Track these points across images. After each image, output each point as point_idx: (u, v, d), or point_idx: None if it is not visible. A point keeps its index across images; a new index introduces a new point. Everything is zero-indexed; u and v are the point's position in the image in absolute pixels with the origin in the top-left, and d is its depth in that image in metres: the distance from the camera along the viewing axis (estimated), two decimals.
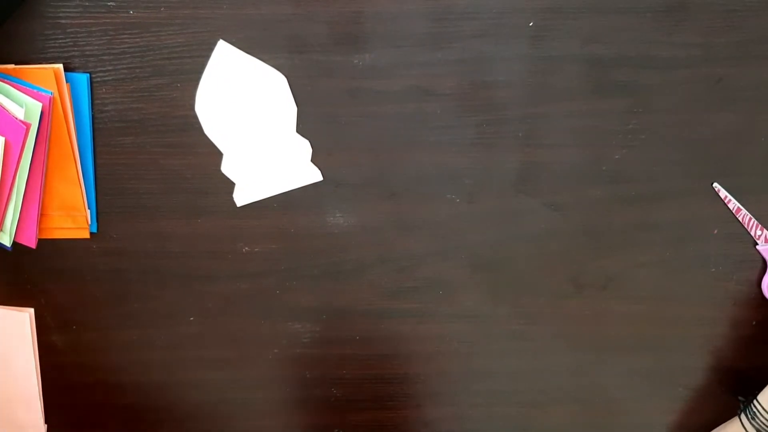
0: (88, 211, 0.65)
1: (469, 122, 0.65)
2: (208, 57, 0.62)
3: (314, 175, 0.66)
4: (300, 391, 0.71)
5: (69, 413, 0.72)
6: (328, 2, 0.61)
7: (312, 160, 0.65)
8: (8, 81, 0.60)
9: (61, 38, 0.61)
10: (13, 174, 0.60)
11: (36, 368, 0.69)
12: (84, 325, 0.69)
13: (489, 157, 0.65)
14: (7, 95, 0.60)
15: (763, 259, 0.68)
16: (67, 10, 0.61)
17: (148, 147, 0.64)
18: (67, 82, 0.62)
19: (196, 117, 0.63)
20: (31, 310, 0.67)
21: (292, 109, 0.64)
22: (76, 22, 0.61)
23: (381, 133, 0.64)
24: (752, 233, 0.67)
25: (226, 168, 0.65)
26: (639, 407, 0.72)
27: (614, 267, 0.68)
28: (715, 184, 0.66)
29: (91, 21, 0.61)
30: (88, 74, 0.62)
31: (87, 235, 0.66)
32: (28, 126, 0.60)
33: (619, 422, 0.74)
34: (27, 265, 0.67)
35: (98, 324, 0.69)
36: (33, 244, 0.65)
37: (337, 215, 0.67)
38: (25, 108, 0.60)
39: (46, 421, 0.71)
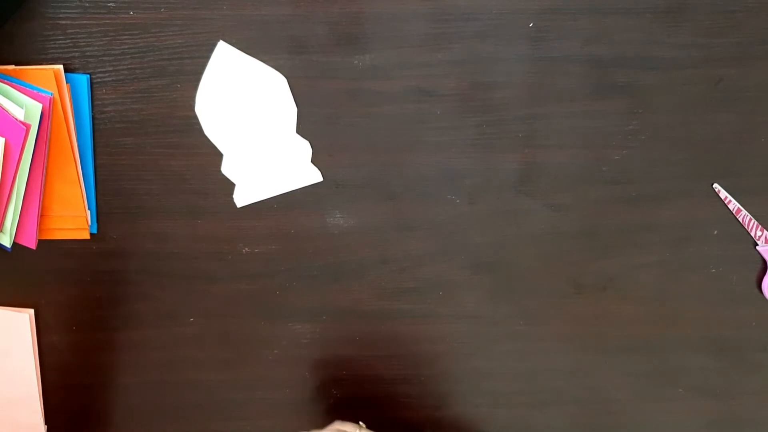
0: (88, 212, 0.65)
1: (469, 123, 0.65)
2: (208, 58, 0.62)
3: (314, 176, 0.66)
4: (300, 391, 0.71)
5: (69, 413, 0.72)
6: (328, 3, 0.61)
7: (312, 161, 0.65)
8: (8, 82, 0.60)
9: (61, 39, 0.61)
10: (13, 175, 0.60)
11: (36, 368, 0.69)
12: (84, 326, 0.69)
13: (489, 158, 0.65)
14: (7, 96, 0.60)
15: (763, 260, 0.68)
16: (67, 11, 0.61)
17: (148, 148, 0.64)
18: (67, 82, 0.62)
19: (196, 118, 0.64)
20: (31, 311, 0.68)
21: (292, 110, 0.64)
22: (77, 23, 0.61)
23: (381, 134, 0.65)
24: (752, 234, 0.67)
25: (227, 169, 0.65)
26: (639, 407, 0.72)
27: (614, 267, 0.68)
28: (716, 185, 0.66)
29: (92, 22, 0.61)
30: (88, 75, 0.62)
31: (87, 236, 0.66)
32: (28, 127, 0.60)
33: (618, 423, 0.74)
34: (27, 265, 0.67)
35: (98, 324, 0.69)
36: (33, 245, 0.65)
37: (338, 216, 0.67)
38: (25, 109, 0.60)
39: (46, 422, 0.71)
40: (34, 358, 0.69)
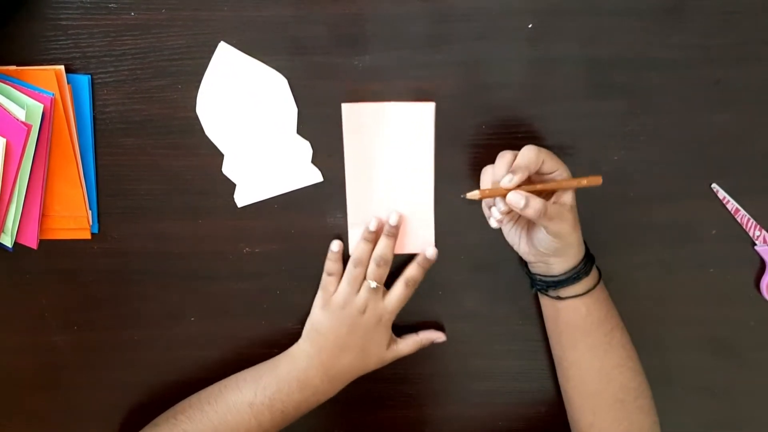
0: (90, 212, 0.65)
1: (469, 123, 0.65)
2: (209, 58, 0.62)
3: (315, 176, 0.66)
4: None
5: (69, 413, 0.72)
6: (329, 4, 0.61)
7: (312, 161, 0.65)
8: (10, 82, 0.61)
9: (63, 40, 0.62)
10: (14, 175, 0.61)
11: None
12: (85, 326, 0.70)
13: (488, 158, 0.65)
14: (9, 96, 0.60)
15: (762, 260, 0.68)
16: (69, 11, 0.61)
17: (149, 148, 0.65)
18: (68, 83, 0.62)
19: (197, 118, 0.64)
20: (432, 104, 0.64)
21: (292, 111, 0.64)
22: (78, 23, 0.61)
23: None
24: (750, 234, 0.68)
25: (227, 169, 0.65)
26: None
27: (613, 267, 0.68)
28: (714, 185, 0.67)
29: (93, 22, 0.61)
30: (90, 75, 0.62)
31: (88, 236, 0.66)
32: (29, 127, 0.60)
33: None
34: (28, 265, 0.67)
35: (99, 324, 0.69)
36: (34, 245, 0.65)
37: (338, 216, 0.67)
38: (26, 109, 0.60)
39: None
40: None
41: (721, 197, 0.67)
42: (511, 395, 0.72)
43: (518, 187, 0.57)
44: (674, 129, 0.65)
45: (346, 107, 0.63)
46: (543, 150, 0.58)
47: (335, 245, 0.66)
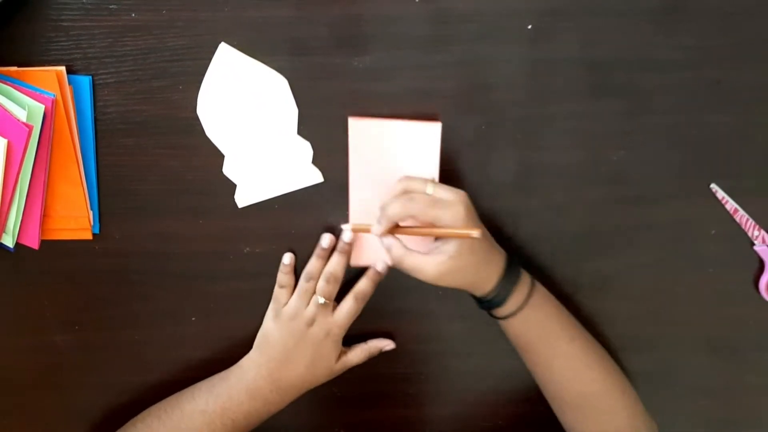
0: (91, 213, 0.65)
1: (468, 124, 0.65)
2: (209, 59, 0.62)
3: (315, 177, 0.66)
4: None
5: (69, 412, 0.72)
6: (329, 5, 0.61)
7: (313, 162, 0.65)
8: (11, 83, 0.61)
9: (64, 41, 0.62)
10: (15, 176, 0.61)
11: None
12: (86, 325, 0.70)
13: (488, 159, 0.65)
14: (10, 97, 0.60)
15: (761, 260, 0.68)
16: (70, 12, 0.61)
17: (150, 149, 0.65)
18: (69, 84, 0.62)
19: (198, 119, 0.64)
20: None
21: (293, 111, 0.64)
22: (79, 24, 0.61)
23: None
24: (749, 234, 0.68)
25: (228, 169, 0.65)
26: None
27: (612, 267, 0.68)
28: (713, 185, 0.67)
29: (94, 23, 0.61)
30: (91, 76, 0.63)
31: (89, 236, 0.66)
32: (30, 128, 0.60)
33: None
34: (29, 265, 0.67)
35: (100, 324, 0.70)
36: (36, 245, 0.65)
37: (338, 216, 0.67)
38: (27, 110, 0.60)
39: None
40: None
41: (720, 197, 0.67)
42: (510, 395, 0.73)
43: (402, 228, 0.61)
44: (673, 129, 0.65)
45: (352, 122, 0.63)
46: (415, 204, 0.59)
47: (287, 258, 0.67)
